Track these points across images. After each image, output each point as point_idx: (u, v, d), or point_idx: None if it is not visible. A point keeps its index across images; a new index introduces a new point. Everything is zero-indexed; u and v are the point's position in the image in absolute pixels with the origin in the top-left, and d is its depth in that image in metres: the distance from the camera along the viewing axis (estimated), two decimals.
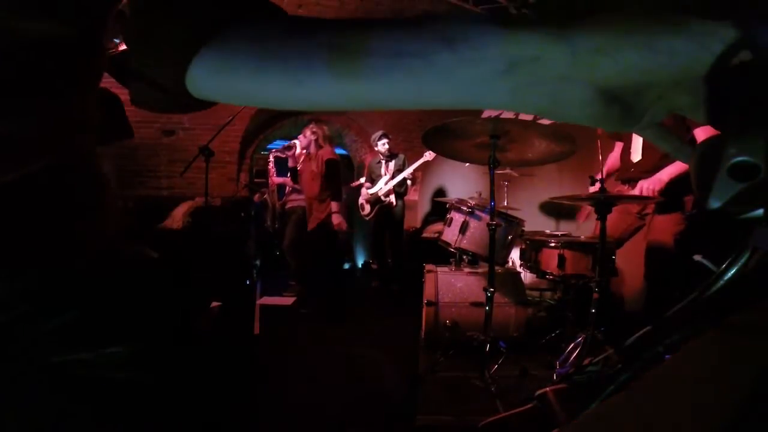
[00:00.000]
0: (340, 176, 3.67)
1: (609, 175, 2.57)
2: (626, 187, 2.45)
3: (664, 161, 2.20)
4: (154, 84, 0.37)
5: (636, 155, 2.38)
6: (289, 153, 4.01)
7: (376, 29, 0.32)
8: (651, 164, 2.26)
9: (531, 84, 0.29)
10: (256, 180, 6.07)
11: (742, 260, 0.34)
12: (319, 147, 3.70)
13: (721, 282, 0.36)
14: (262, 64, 0.33)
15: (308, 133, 3.74)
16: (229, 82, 0.35)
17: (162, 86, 0.37)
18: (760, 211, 0.28)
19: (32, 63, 0.31)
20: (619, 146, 2.57)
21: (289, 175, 4.14)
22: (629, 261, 2.72)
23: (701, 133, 2.11)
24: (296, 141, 3.87)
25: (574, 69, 0.28)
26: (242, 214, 4.29)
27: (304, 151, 3.82)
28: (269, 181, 5.09)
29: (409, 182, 4.51)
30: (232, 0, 0.36)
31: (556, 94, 0.30)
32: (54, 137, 0.35)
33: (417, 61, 0.30)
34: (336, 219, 3.59)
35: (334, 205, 3.58)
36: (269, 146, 5.34)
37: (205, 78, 0.35)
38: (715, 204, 0.28)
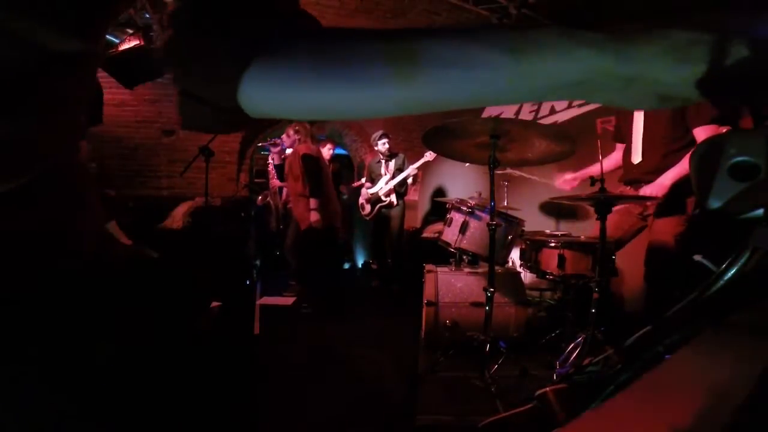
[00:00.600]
0: (319, 172, 3.52)
1: (609, 172, 2.56)
2: (629, 188, 2.44)
3: (665, 161, 2.20)
4: (206, 103, 0.36)
5: (636, 157, 2.38)
6: (275, 150, 3.97)
7: (438, 38, 0.33)
8: (652, 165, 2.26)
9: (588, 92, 0.32)
10: (256, 180, 6.07)
11: (742, 260, 0.34)
12: (301, 144, 3.58)
13: (721, 282, 0.36)
14: (323, 74, 0.33)
15: (291, 132, 3.62)
16: (289, 94, 0.35)
17: (215, 105, 0.36)
18: (760, 211, 0.28)
19: (33, 65, 0.31)
20: (620, 148, 2.56)
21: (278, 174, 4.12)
22: (629, 261, 2.72)
23: (701, 133, 2.11)
24: (282, 139, 3.79)
25: (629, 83, 0.30)
26: (242, 214, 4.29)
27: (289, 150, 3.72)
28: (270, 183, 5.10)
29: (409, 181, 4.50)
30: (278, 14, 0.36)
31: (613, 98, 0.32)
32: (54, 138, 0.35)
33: (483, 71, 0.32)
34: (314, 216, 3.46)
35: (312, 202, 3.47)
36: (260, 144, 5.32)
37: (262, 92, 0.35)
38: (715, 204, 0.28)
